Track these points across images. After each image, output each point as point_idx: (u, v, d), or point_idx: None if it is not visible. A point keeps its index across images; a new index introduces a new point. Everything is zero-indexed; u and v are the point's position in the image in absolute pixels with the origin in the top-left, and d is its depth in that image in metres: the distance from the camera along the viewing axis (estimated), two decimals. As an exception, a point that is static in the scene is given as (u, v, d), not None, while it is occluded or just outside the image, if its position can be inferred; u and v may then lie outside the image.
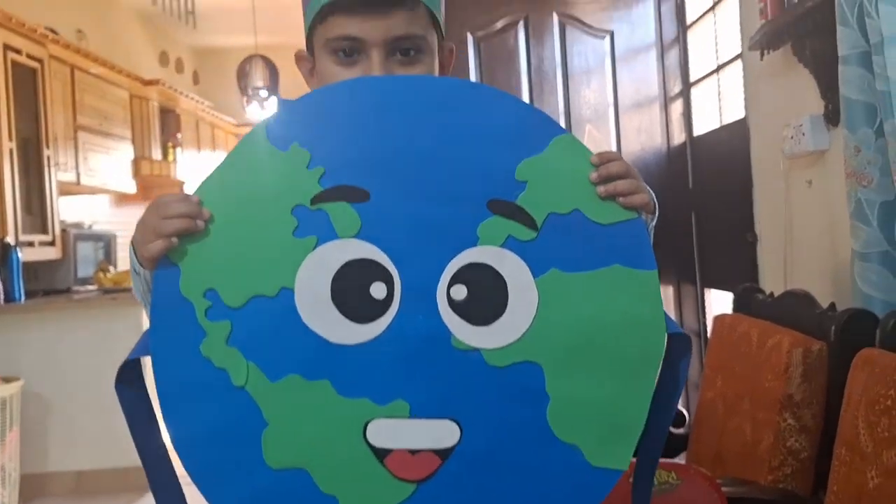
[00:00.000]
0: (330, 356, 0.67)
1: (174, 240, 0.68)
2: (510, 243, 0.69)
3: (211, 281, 0.68)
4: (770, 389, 1.46)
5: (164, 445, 0.71)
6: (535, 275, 0.69)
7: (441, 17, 0.85)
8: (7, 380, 2.88)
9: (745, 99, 1.96)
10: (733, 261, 2.21)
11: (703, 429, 1.76)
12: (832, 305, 1.43)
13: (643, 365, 0.69)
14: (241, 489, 0.67)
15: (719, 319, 1.79)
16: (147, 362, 0.69)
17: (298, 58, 0.90)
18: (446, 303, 0.68)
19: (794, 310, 1.52)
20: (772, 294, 1.64)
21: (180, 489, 0.71)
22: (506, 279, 0.69)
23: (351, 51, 0.80)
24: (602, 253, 0.70)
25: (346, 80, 0.75)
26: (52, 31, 3.98)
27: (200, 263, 0.68)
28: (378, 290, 0.68)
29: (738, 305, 1.78)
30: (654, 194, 0.76)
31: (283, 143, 0.69)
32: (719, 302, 2.66)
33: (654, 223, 0.78)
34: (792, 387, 1.41)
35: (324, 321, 0.68)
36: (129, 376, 0.70)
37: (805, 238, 1.73)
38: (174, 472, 0.72)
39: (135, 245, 0.73)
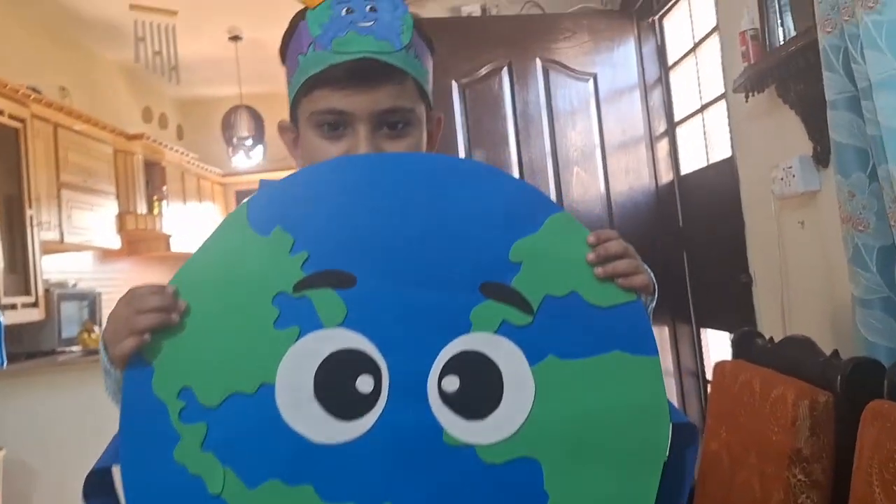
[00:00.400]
0: (313, 458, 0.63)
1: (147, 336, 0.64)
2: (505, 329, 0.65)
3: (186, 379, 0.64)
4: (777, 443, 1.40)
5: None
6: (531, 362, 0.65)
7: (429, 88, 0.83)
8: (-12, 450, 2.78)
9: (732, 139, 1.94)
10: (728, 301, 2.17)
11: (710, 482, 1.70)
12: (835, 353, 1.39)
13: (647, 458, 0.65)
14: None
15: (720, 366, 1.74)
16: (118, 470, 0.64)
17: (281, 128, 0.87)
18: (437, 395, 0.64)
19: (795, 357, 1.48)
20: (771, 339, 1.60)
21: None
22: (501, 368, 0.65)
23: (337, 124, 0.77)
24: (601, 338, 0.66)
25: (331, 160, 0.72)
26: (35, 90, 3.97)
27: (175, 360, 0.64)
28: (365, 384, 0.64)
29: (737, 351, 1.73)
30: (652, 274, 0.72)
31: (264, 226, 0.66)
32: (716, 342, 2.61)
33: (653, 305, 0.75)
34: (800, 441, 1.35)
35: (306, 419, 0.63)
36: (97, 487, 0.65)
37: (801, 280, 1.70)
38: None
39: (105, 342, 0.69)
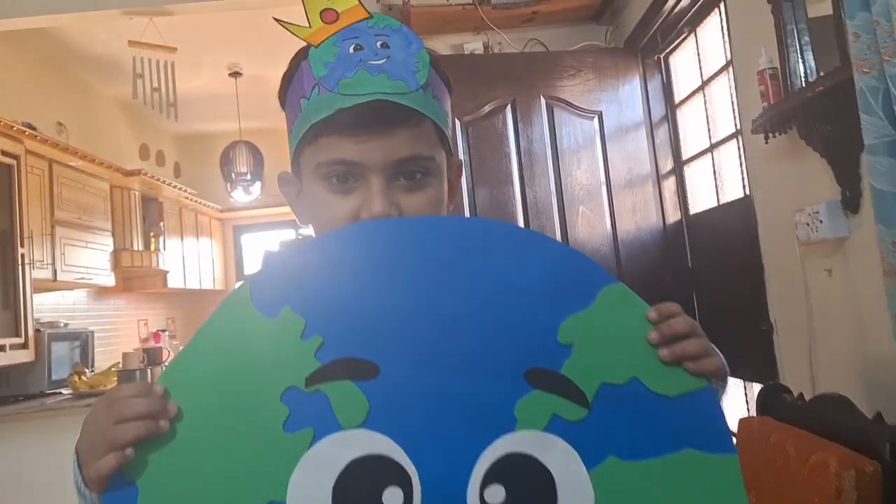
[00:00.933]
0: None
1: (129, 451, 0.54)
2: (556, 425, 0.56)
3: (178, 500, 0.54)
4: (816, 513, 1.30)
5: None
6: (588, 465, 0.55)
7: (448, 132, 0.73)
8: (-31, 501, 2.66)
9: (748, 179, 1.87)
10: (746, 349, 2.08)
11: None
12: (879, 416, 1.29)
13: None
14: None
15: (745, 423, 1.64)
16: None
17: (282, 181, 0.77)
18: None
19: (831, 417, 1.38)
20: (801, 396, 1.50)
21: None
22: (553, 474, 0.55)
23: (346, 176, 0.68)
24: (669, 434, 0.56)
25: (346, 227, 0.63)
26: (30, 125, 3.91)
27: (165, 477, 0.54)
28: (393, 497, 0.54)
29: (763, 407, 1.63)
30: (722, 356, 0.63)
31: (271, 307, 0.57)
32: (731, 388, 2.51)
33: (725, 392, 0.65)
34: (845, 513, 1.25)
35: None
36: None
37: (829, 331, 1.61)
38: None
39: (79, 456, 0.58)
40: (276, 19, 0.73)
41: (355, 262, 0.58)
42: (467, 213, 2.49)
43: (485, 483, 0.54)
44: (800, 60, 1.44)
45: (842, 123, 1.30)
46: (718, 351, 0.62)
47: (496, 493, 0.54)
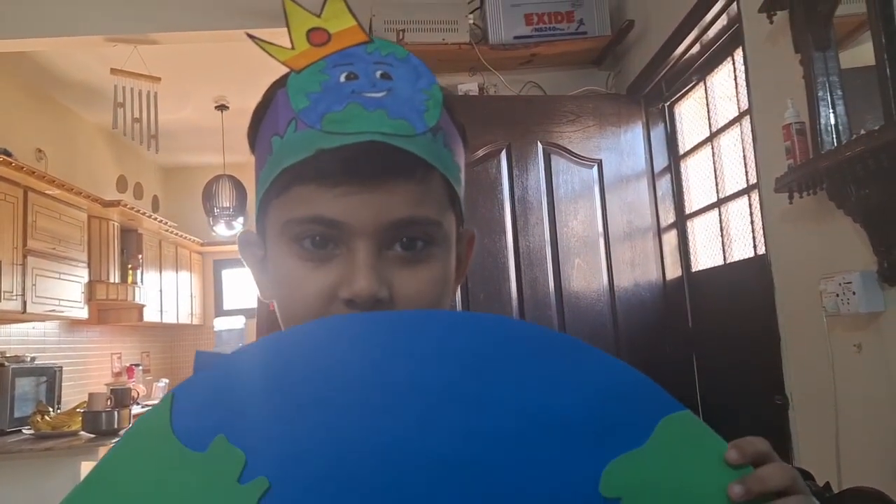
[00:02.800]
0: None
1: None
2: None
3: None
4: None
5: None
6: None
7: (462, 192, 0.56)
8: None
9: (766, 239, 1.74)
10: (755, 423, 1.92)
11: None
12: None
13: None
14: None
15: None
16: None
17: (243, 242, 0.59)
18: None
19: (863, 516, 1.22)
20: (828, 486, 1.34)
21: None
22: None
23: (325, 240, 0.51)
24: None
25: (309, 324, 0.44)
26: (6, 152, 3.77)
27: None
28: None
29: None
30: None
31: (198, 436, 0.41)
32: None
33: None
34: None
35: None
36: None
37: (854, 412, 1.46)
38: None
39: None
40: (250, 35, 0.56)
41: (319, 376, 0.42)
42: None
43: None
44: (831, 115, 1.31)
45: (882, 187, 1.17)
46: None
47: None
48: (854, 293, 1.30)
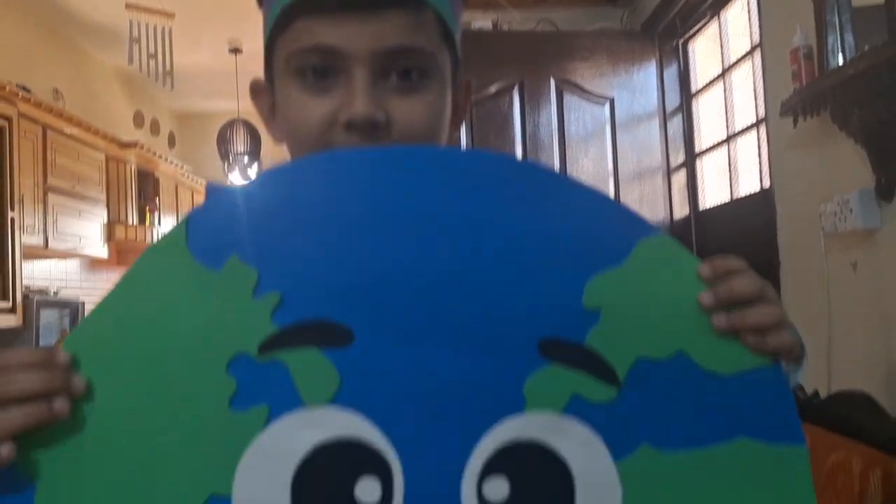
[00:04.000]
0: None
1: (6, 451, 0.40)
2: (576, 407, 0.44)
3: (89, 500, 0.42)
4: (832, 518, 1.22)
5: None
6: (615, 456, 0.44)
7: (457, 36, 0.59)
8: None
9: (771, 170, 1.77)
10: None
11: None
12: (908, 414, 1.20)
13: None
14: None
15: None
16: None
17: (255, 91, 0.63)
18: None
19: (851, 416, 1.29)
20: (816, 394, 1.41)
21: None
22: (570, 465, 0.44)
23: (325, 70, 0.54)
24: (721, 420, 0.45)
25: (315, 156, 0.49)
26: (25, 88, 3.81)
27: (73, 471, 0.42)
28: (368, 491, 0.43)
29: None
30: (799, 331, 0.50)
31: (213, 255, 0.44)
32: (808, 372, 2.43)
33: (800, 376, 0.52)
34: (865, 517, 1.16)
35: None
36: None
37: (850, 328, 1.52)
38: None
39: None
40: None
41: (325, 201, 0.46)
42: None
43: (484, 475, 0.44)
44: (838, 39, 1.33)
45: (884, 104, 1.20)
46: (795, 326, 0.48)
47: (498, 487, 0.43)
48: (851, 210, 1.35)
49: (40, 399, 0.41)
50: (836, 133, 1.40)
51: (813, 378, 1.59)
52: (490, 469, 0.44)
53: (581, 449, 0.44)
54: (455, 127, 0.62)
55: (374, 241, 0.45)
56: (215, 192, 0.47)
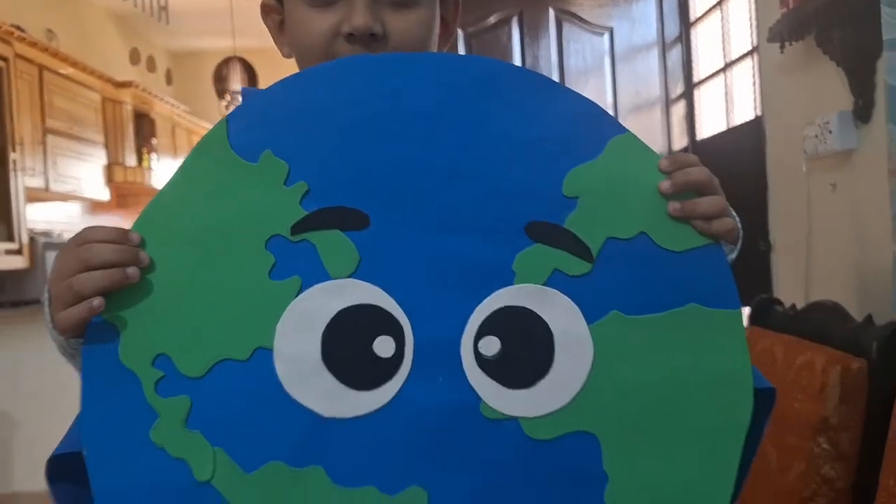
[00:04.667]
0: (322, 435, 0.51)
1: (97, 302, 0.50)
2: (557, 279, 0.53)
3: (162, 345, 0.52)
4: (801, 412, 1.33)
5: None
6: (589, 320, 0.53)
7: None
8: (-34, 399, 2.70)
9: (761, 97, 1.84)
10: (742, 270, 2.08)
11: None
12: (869, 318, 1.31)
13: (727, 433, 0.53)
14: None
15: (737, 334, 1.66)
16: None
17: (265, 9, 0.71)
18: (473, 360, 0.53)
19: (822, 323, 1.40)
20: (793, 306, 1.51)
21: None
22: (551, 327, 0.53)
23: None
24: (674, 289, 0.54)
25: (334, 62, 0.58)
26: (19, 28, 3.79)
27: (146, 321, 0.52)
28: (384, 347, 0.52)
29: (754, 319, 1.65)
30: (738, 218, 0.60)
31: (250, 150, 0.53)
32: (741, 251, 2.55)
33: (734, 256, 0.62)
34: (828, 409, 1.28)
35: (313, 390, 0.52)
36: (63, 471, 0.52)
37: (828, 245, 1.61)
38: None
39: (50, 294, 0.54)
40: None
41: (344, 102, 0.54)
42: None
43: (479, 334, 0.53)
44: (825, -36, 1.38)
45: (861, 26, 1.26)
46: (733, 211, 0.58)
47: (491, 344, 0.53)
48: (830, 132, 1.42)
49: (117, 268, 0.51)
50: (820, 57, 1.46)
51: (792, 294, 1.70)
52: (484, 330, 0.53)
53: (561, 314, 0.53)
54: (445, 41, 0.70)
55: (385, 139, 0.54)
56: (250, 94, 0.56)
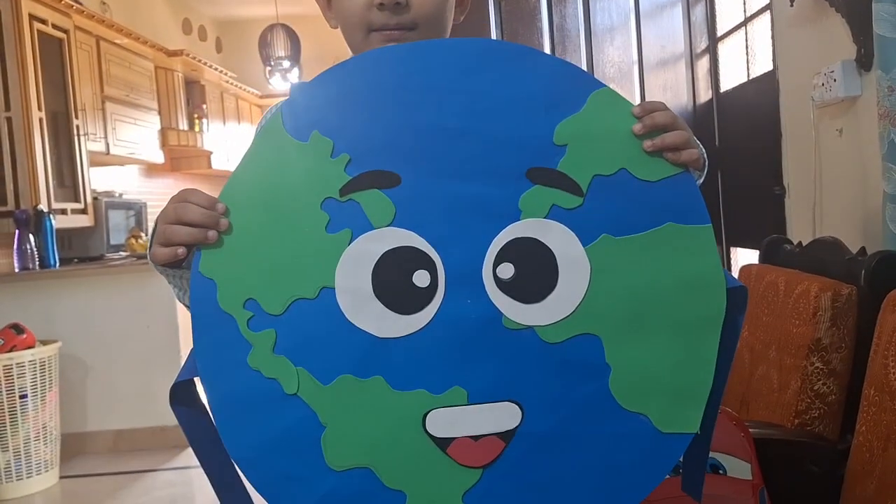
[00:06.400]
0: (380, 352, 0.65)
1: (181, 251, 0.65)
2: (555, 213, 0.65)
3: (249, 291, 0.65)
4: (798, 335, 1.46)
5: (229, 460, 0.68)
6: (584, 243, 0.65)
7: None
8: (45, 342, 2.97)
9: (774, 50, 1.93)
10: (760, 216, 2.19)
11: (731, 379, 1.76)
12: (862, 250, 1.42)
13: (706, 325, 0.66)
14: (307, 495, 0.65)
15: (745, 269, 1.78)
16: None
17: None
18: (493, 283, 0.65)
19: (822, 257, 1.52)
20: (800, 244, 1.63)
21: (251, 502, 0.69)
22: (554, 252, 0.65)
23: None
24: (653, 212, 0.66)
25: (359, 55, 0.70)
26: (78, 1, 4.01)
27: (236, 274, 0.65)
28: (421, 278, 0.65)
29: (765, 257, 1.77)
30: (703, 147, 0.72)
31: (302, 132, 0.66)
32: (746, 261, 2.64)
33: (702, 180, 0.73)
34: (820, 331, 1.40)
35: (369, 317, 0.65)
36: (183, 397, 0.67)
37: (835, 187, 1.72)
38: (243, 486, 0.69)
39: (154, 229, 0.69)
40: None
41: (370, 87, 0.67)
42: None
43: (497, 262, 0.65)
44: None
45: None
46: (699, 143, 0.70)
47: (506, 269, 0.65)
48: (835, 80, 1.52)
49: (201, 228, 0.65)
50: (827, 9, 1.55)
51: (805, 228, 1.81)
52: (500, 258, 0.65)
53: (561, 239, 0.65)
54: (460, 12, 0.85)
55: (406, 109, 0.66)
56: (297, 87, 0.70)
